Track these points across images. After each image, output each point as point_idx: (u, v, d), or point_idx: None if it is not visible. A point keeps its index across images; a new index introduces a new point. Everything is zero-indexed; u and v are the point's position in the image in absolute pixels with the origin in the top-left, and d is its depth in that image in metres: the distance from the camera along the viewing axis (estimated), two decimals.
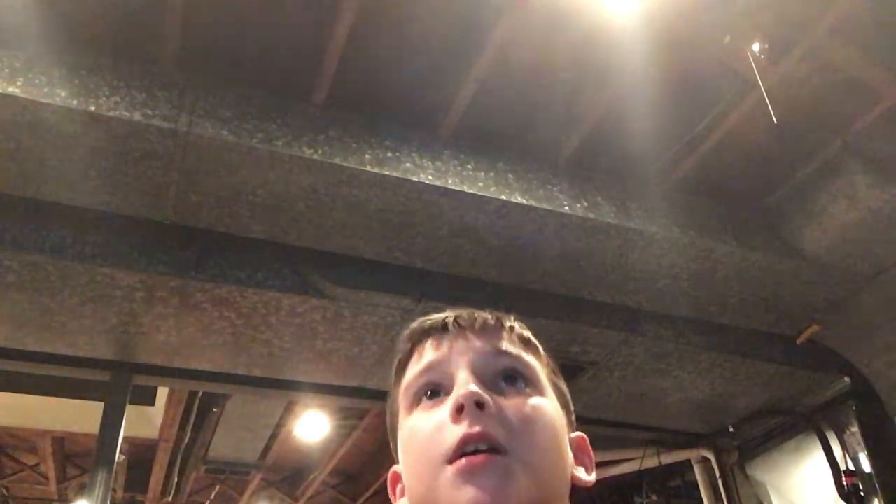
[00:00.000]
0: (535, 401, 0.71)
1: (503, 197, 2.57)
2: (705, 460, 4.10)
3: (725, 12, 2.20)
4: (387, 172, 2.44)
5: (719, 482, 3.99)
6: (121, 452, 3.21)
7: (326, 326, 2.82)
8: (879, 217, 2.76)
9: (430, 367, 0.73)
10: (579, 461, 0.76)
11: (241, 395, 4.54)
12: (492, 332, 0.76)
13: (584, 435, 0.79)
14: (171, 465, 5.51)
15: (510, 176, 2.64)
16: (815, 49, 2.40)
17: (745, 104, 2.56)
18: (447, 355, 0.73)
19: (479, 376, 0.70)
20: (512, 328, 0.78)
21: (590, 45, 2.37)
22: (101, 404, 2.98)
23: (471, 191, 2.53)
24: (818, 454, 3.50)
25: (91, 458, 2.96)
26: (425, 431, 0.69)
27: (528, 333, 0.79)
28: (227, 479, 6.54)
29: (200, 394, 4.51)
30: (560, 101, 2.61)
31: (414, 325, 0.80)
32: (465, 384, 0.68)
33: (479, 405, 0.66)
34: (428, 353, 0.75)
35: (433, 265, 2.81)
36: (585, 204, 2.70)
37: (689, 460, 4.19)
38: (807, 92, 2.57)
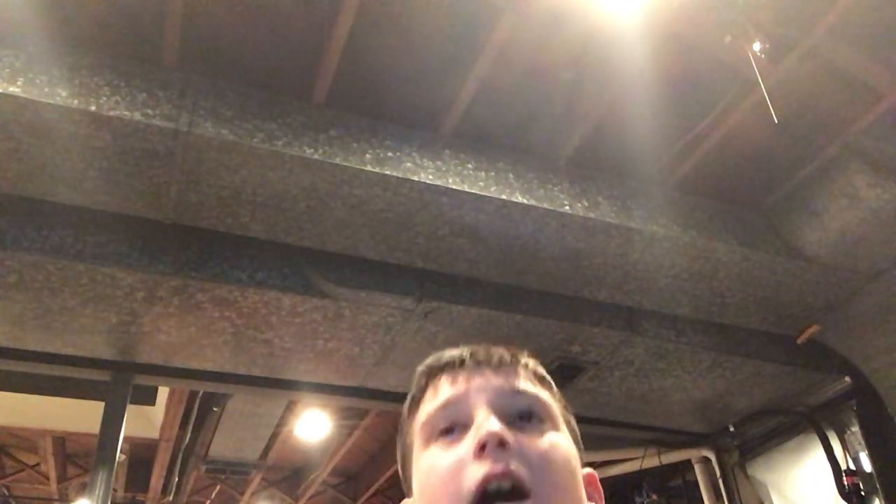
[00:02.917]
0: (552, 437, 0.71)
1: (504, 196, 2.57)
2: (706, 460, 4.10)
3: (726, 12, 2.20)
4: (387, 172, 2.44)
5: (720, 482, 3.99)
6: (121, 452, 3.21)
7: (327, 326, 2.82)
8: (880, 217, 2.76)
9: (448, 404, 0.74)
10: (590, 497, 0.76)
11: (242, 395, 4.55)
12: (508, 369, 0.77)
13: (594, 472, 0.79)
14: (171, 464, 5.51)
15: (510, 175, 2.64)
16: (815, 49, 2.40)
17: (745, 104, 2.56)
18: (465, 392, 0.74)
19: (498, 414, 0.70)
20: (527, 365, 0.78)
21: (590, 45, 2.37)
22: (102, 404, 2.98)
23: (471, 190, 2.53)
24: (819, 454, 3.50)
25: (92, 458, 2.96)
26: (445, 468, 0.69)
27: (542, 370, 0.80)
28: (227, 479, 6.54)
29: (201, 393, 4.52)
30: (560, 100, 2.61)
31: (429, 360, 0.81)
32: (485, 422, 0.69)
33: (502, 444, 0.67)
34: (444, 390, 0.76)
35: (433, 265, 2.81)
36: (586, 203, 2.70)
37: (689, 460, 4.19)
38: (807, 91, 2.57)
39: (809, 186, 2.88)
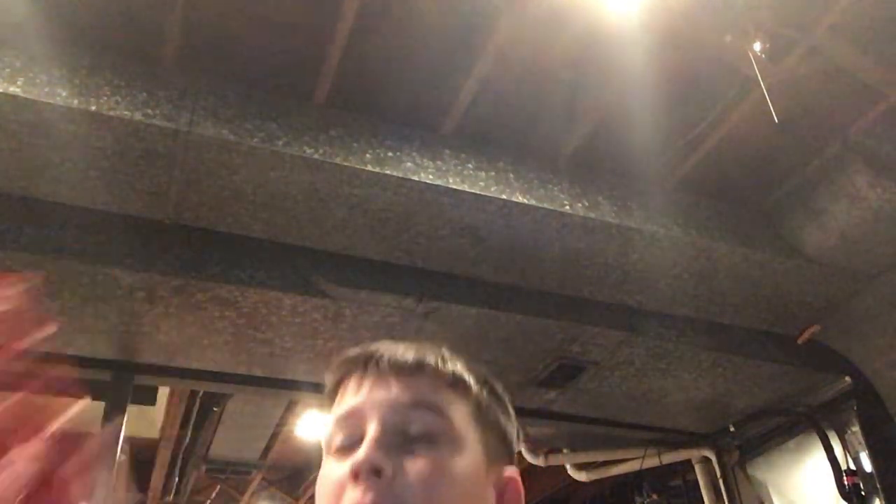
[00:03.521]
0: (444, 461, 0.68)
1: (504, 196, 2.57)
2: (706, 460, 4.10)
3: (726, 11, 2.20)
4: (388, 172, 2.44)
5: (720, 482, 3.99)
6: (121, 452, 3.21)
7: (327, 326, 2.82)
8: (881, 216, 2.76)
9: (345, 418, 0.72)
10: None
11: (242, 395, 4.54)
12: (412, 375, 0.73)
13: (515, 475, 0.75)
14: (171, 464, 5.51)
15: (511, 175, 2.64)
16: (816, 48, 2.40)
17: (745, 103, 2.56)
18: (361, 406, 0.72)
19: (388, 433, 0.68)
20: (437, 369, 0.74)
21: (590, 44, 2.37)
22: (102, 404, 2.98)
23: (472, 190, 2.53)
24: (819, 454, 3.50)
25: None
26: (331, 485, 0.68)
27: (456, 369, 0.75)
28: (227, 479, 6.54)
29: (201, 393, 4.51)
30: (561, 100, 2.61)
31: (341, 356, 0.78)
32: (364, 446, 0.67)
33: (376, 472, 0.65)
34: (347, 398, 0.74)
35: (434, 265, 2.81)
36: (586, 203, 2.70)
37: (689, 460, 4.19)
38: (808, 91, 2.57)
39: (810, 186, 2.88)
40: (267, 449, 5.91)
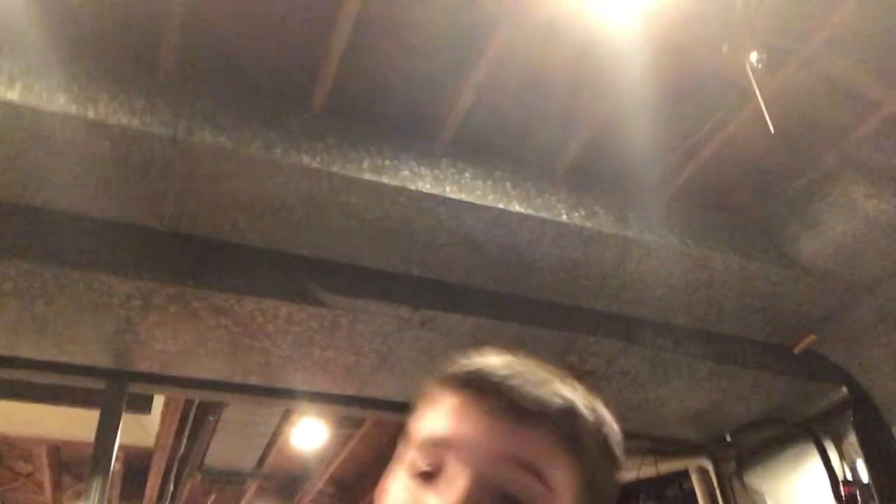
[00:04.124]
0: None
1: (501, 205, 2.57)
2: (703, 469, 4.09)
3: (723, 22, 2.21)
4: (385, 180, 2.44)
5: (717, 491, 3.98)
6: (116, 461, 3.19)
7: (324, 335, 2.81)
8: (876, 227, 2.77)
9: (434, 444, 0.65)
10: None
11: (238, 404, 4.53)
12: (534, 423, 0.63)
13: None
14: (167, 473, 5.49)
15: (508, 184, 2.64)
16: (812, 59, 2.42)
17: (742, 114, 2.57)
18: (458, 440, 0.63)
19: (483, 485, 0.60)
20: (560, 424, 0.64)
21: (587, 54, 2.38)
22: (98, 412, 2.96)
23: (469, 199, 2.53)
24: (816, 463, 3.49)
25: (87, 467, 2.94)
26: None
27: (584, 424, 0.66)
28: (223, 488, 6.50)
29: (197, 402, 4.50)
30: (558, 109, 2.62)
31: (462, 361, 0.69)
32: (456, 496, 0.59)
33: None
34: (446, 420, 0.65)
35: (431, 274, 2.81)
36: (583, 213, 2.70)
37: (686, 469, 4.18)
38: (804, 102, 2.58)
39: (806, 196, 2.89)
40: (262, 458, 5.89)
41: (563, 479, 0.63)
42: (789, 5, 2.24)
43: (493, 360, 0.67)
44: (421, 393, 0.70)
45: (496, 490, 0.60)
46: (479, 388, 0.65)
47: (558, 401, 0.65)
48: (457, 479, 0.61)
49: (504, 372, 0.66)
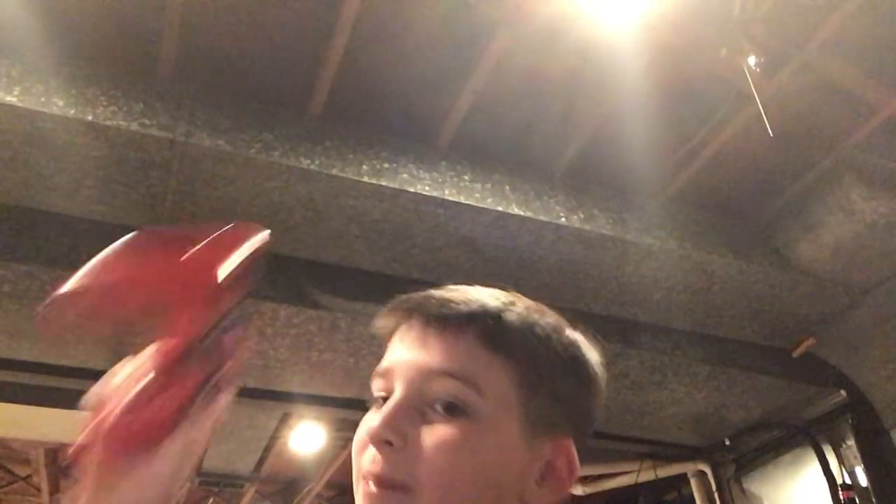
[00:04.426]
0: (464, 433, 0.62)
1: (500, 208, 2.57)
2: (702, 473, 4.09)
3: (721, 26, 2.21)
4: (384, 183, 2.44)
5: (716, 495, 3.97)
6: None
7: (322, 337, 2.81)
8: (874, 230, 2.77)
9: (381, 374, 0.70)
10: (545, 479, 0.66)
11: (236, 407, 4.52)
12: (456, 332, 0.66)
13: (567, 448, 0.67)
14: None
15: (507, 187, 2.64)
16: (809, 63, 2.42)
17: (740, 117, 2.58)
18: (394, 364, 0.68)
19: (411, 399, 0.64)
20: (485, 325, 0.66)
21: (586, 58, 2.38)
22: None
23: (467, 202, 2.54)
24: (814, 467, 3.49)
25: None
26: (358, 436, 0.67)
27: (511, 326, 0.66)
28: (220, 492, 6.49)
29: None
30: (556, 113, 2.62)
31: (397, 299, 0.73)
32: (381, 413, 0.64)
33: (388, 442, 0.62)
34: (389, 350, 0.71)
35: (430, 276, 2.81)
36: (582, 216, 2.70)
37: (685, 473, 4.18)
38: (802, 105, 2.59)
39: (804, 200, 2.90)
40: (260, 461, 5.87)
41: (492, 378, 0.64)
42: (787, 9, 2.24)
43: (415, 293, 0.71)
44: (377, 332, 0.75)
45: (427, 399, 0.64)
46: (409, 310, 0.70)
47: (480, 305, 0.67)
48: (394, 395, 0.66)
49: (433, 293, 0.70)
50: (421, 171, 2.54)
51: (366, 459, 0.64)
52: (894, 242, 2.83)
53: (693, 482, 4.13)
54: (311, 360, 2.95)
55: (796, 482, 3.70)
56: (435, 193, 2.50)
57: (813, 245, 2.90)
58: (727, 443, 3.93)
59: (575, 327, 0.75)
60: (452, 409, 0.63)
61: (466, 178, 2.60)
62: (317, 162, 2.39)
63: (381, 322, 0.74)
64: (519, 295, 0.73)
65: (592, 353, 0.74)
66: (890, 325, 3.13)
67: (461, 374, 0.64)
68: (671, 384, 3.32)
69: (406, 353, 0.68)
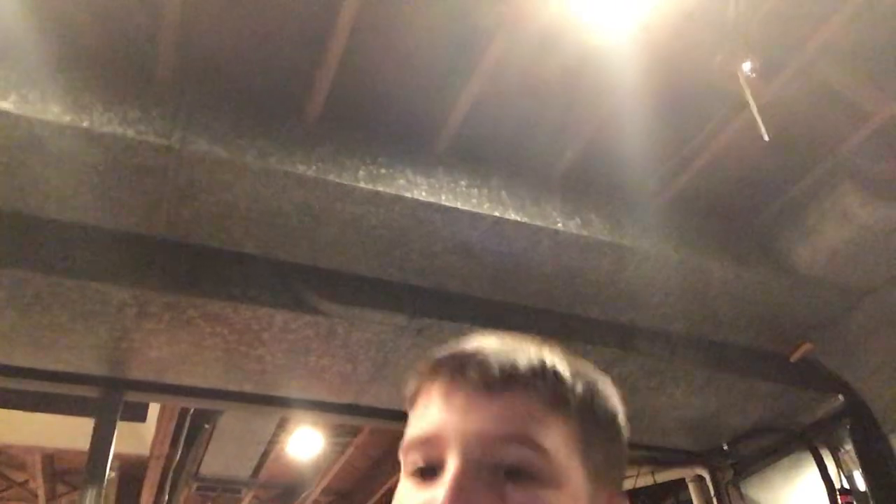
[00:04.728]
0: (541, 499, 0.59)
1: (497, 213, 2.57)
2: (700, 478, 4.08)
3: (717, 31, 2.22)
4: (381, 189, 2.44)
5: (714, 500, 3.97)
6: (111, 469, 3.18)
7: (319, 343, 2.81)
8: (871, 235, 2.77)
9: (422, 442, 0.64)
10: None
11: (234, 412, 4.51)
12: (503, 391, 0.62)
13: (620, 497, 0.67)
14: (161, 482, 5.46)
15: (504, 193, 2.64)
16: (805, 68, 2.43)
17: (736, 122, 2.58)
18: (443, 431, 0.62)
19: (474, 471, 0.59)
20: (538, 384, 0.63)
21: (582, 64, 2.39)
22: (92, 420, 2.95)
23: (464, 207, 2.54)
24: (813, 472, 3.48)
25: (81, 476, 2.93)
26: None
27: (561, 380, 0.64)
28: (218, 497, 6.48)
29: (192, 410, 4.48)
30: (553, 118, 2.62)
31: (436, 352, 0.69)
32: (448, 484, 0.58)
33: None
34: (428, 414, 0.65)
35: (427, 282, 2.81)
36: (579, 221, 2.70)
37: (683, 479, 4.18)
38: (798, 110, 2.59)
39: (801, 204, 2.90)
40: (258, 467, 5.87)
41: (555, 438, 0.62)
42: (783, 15, 2.25)
43: (465, 343, 0.67)
44: (405, 395, 0.70)
45: (489, 467, 0.60)
46: (451, 371, 0.65)
47: (531, 362, 0.64)
48: (448, 467, 0.60)
49: (474, 349, 0.66)
50: (418, 177, 2.54)
51: None
52: (891, 247, 2.84)
53: (691, 487, 4.13)
54: (308, 366, 2.95)
55: (794, 487, 3.70)
56: (432, 199, 2.50)
57: (810, 250, 2.90)
58: (725, 448, 3.92)
59: (606, 376, 0.72)
60: (518, 475, 0.60)
61: (463, 183, 2.60)
62: (314, 168, 2.39)
63: (415, 382, 0.69)
64: (557, 347, 0.70)
65: (622, 406, 0.72)
66: (888, 330, 3.13)
67: (526, 438, 0.61)
68: (669, 389, 3.32)
69: (456, 417, 0.62)
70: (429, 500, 0.59)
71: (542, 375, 0.64)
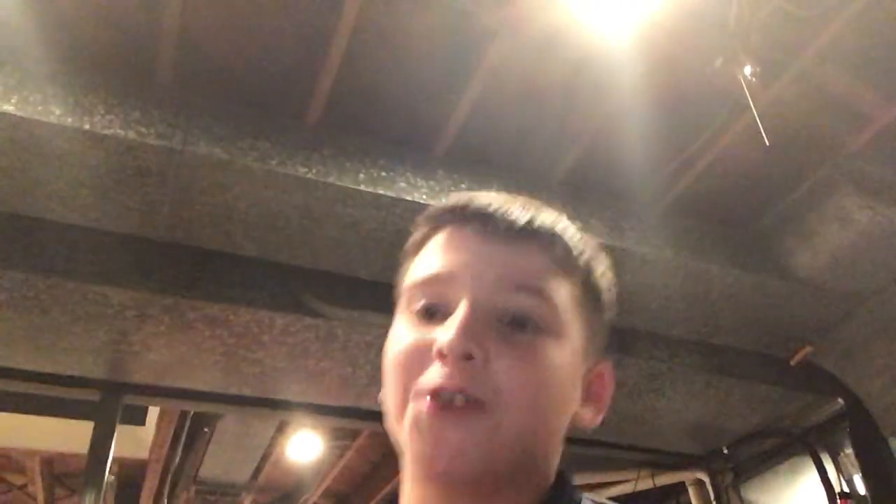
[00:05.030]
0: (543, 349, 0.61)
1: None
2: (700, 482, 4.08)
3: (717, 35, 2.22)
4: (381, 192, 2.44)
5: None
6: (110, 473, 3.17)
7: (319, 346, 2.81)
8: (871, 239, 2.77)
9: (434, 280, 0.64)
10: (588, 399, 0.68)
11: (233, 416, 4.51)
12: (524, 245, 0.64)
13: (607, 369, 0.70)
14: (160, 486, 5.45)
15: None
16: (805, 72, 2.43)
17: (737, 126, 2.58)
18: (456, 270, 0.63)
19: (483, 313, 0.60)
20: (554, 239, 0.66)
21: (583, 67, 2.39)
22: (91, 424, 2.95)
23: None
24: (813, 476, 3.48)
25: (80, 479, 2.92)
26: (406, 351, 0.62)
27: (573, 246, 0.68)
28: (217, 501, 6.47)
29: (191, 414, 4.47)
30: (553, 121, 2.63)
31: (440, 205, 0.70)
32: (455, 326, 0.59)
33: (465, 357, 0.58)
34: (439, 254, 0.65)
35: None
36: (578, 224, 2.68)
37: (683, 482, 4.17)
38: (798, 114, 2.59)
39: (801, 208, 2.90)
40: (257, 470, 5.86)
41: (562, 294, 0.64)
42: (783, 19, 2.25)
43: (475, 195, 0.68)
44: (408, 244, 0.72)
45: (498, 311, 0.61)
46: (464, 217, 0.66)
47: (548, 222, 0.67)
48: (457, 308, 0.61)
49: (488, 201, 0.67)
50: (418, 180, 2.54)
51: (430, 375, 0.59)
52: (891, 251, 2.84)
53: (691, 491, 4.12)
54: (308, 369, 2.94)
55: (794, 490, 3.70)
56: (432, 202, 2.48)
57: (810, 253, 2.91)
58: (725, 451, 3.92)
59: (605, 253, 0.76)
60: (525, 323, 0.61)
61: (463, 186, 2.60)
62: (314, 170, 2.39)
63: (422, 228, 0.70)
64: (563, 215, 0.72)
65: (614, 286, 0.76)
66: (888, 334, 3.13)
67: (538, 288, 0.63)
68: (669, 392, 3.32)
69: (468, 259, 0.63)
70: (430, 340, 0.60)
71: (557, 235, 0.67)
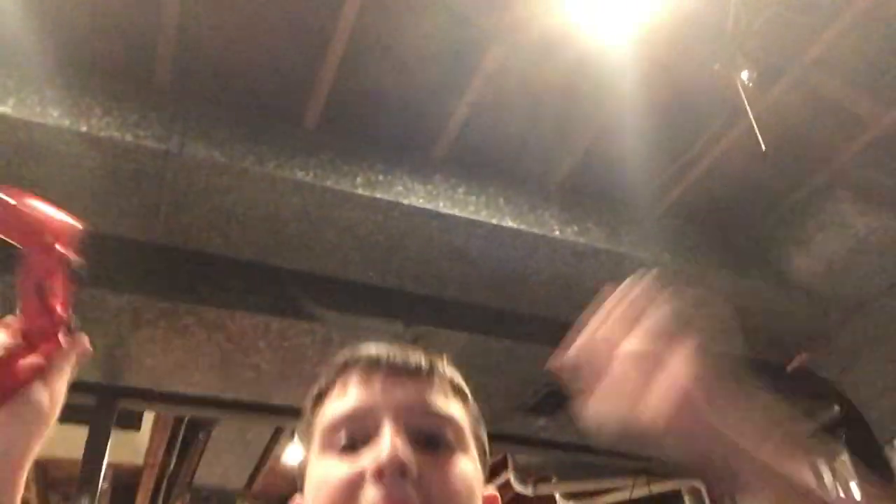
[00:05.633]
0: (458, 465, 0.69)
1: (494, 221, 2.57)
2: (696, 490, 4.07)
3: (714, 40, 2.23)
4: (378, 195, 2.44)
5: None
6: (105, 479, 3.15)
7: (315, 350, 2.80)
8: (867, 245, 2.78)
9: (353, 415, 0.70)
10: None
11: (229, 420, 4.49)
12: (423, 379, 0.73)
13: (496, 494, 0.76)
14: (155, 492, 5.42)
15: (501, 200, 2.65)
16: (802, 78, 2.44)
17: (734, 132, 2.59)
18: (373, 403, 0.70)
19: (406, 435, 0.67)
20: (443, 374, 0.76)
21: (581, 72, 2.40)
22: (86, 428, 2.93)
23: (462, 214, 2.54)
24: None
25: (74, 485, 2.90)
26: (341, 484, 0.66)
27: (458, 380, 0.78)
28: None
29: (187, 419, 4.45)
30: (551, 126, 2.63)
31: (344, 353, 0.78)
32: (388, 446, 0.65)
33: (402, 472, 0.63)
34: (352, 393, 0.72)
35: (424, 289, 2.80)
36: (576, 229, 2.71)
37: (679, 490, 4.16)
38: (795, 120, 2.60)
39: (798, 214, 2.91)
40: (253, 476, 5.83)
41: (461, 415, 0.74)
42: (780, 24, 2.26)
43: (370, 344, 0.78)
44: (313, 390, 0.79)
45: (414, 433, 0.68)
46: (368, 362, 0.74)
47: (436, 360, 0.77)
48: (380, 434, 0.67)
49: (382, 349, 0.76)
50: (415, 184, 2.54)
51: (368, 499, 0.63)
52: (887, 257, 2.85)
53: (687, 498, 4.12)
54: (304, 374, 2.93)
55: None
56: (429, 206, 2.50)
57: (806, 260, 2.91)
58: None
59: None
60: (439, 442, 0.69)
61: (461, 190, 2.60)
62: (311, 174, 2.39)
63: (328, 376, 0.78)
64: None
65: None
66: (884, 340, 3.14)
67: (444, 412, 0.72)
68: None
69: (380, 394, 0.71)
70: (361, 469, 0.65)
71: (446, 370, 0.77)
